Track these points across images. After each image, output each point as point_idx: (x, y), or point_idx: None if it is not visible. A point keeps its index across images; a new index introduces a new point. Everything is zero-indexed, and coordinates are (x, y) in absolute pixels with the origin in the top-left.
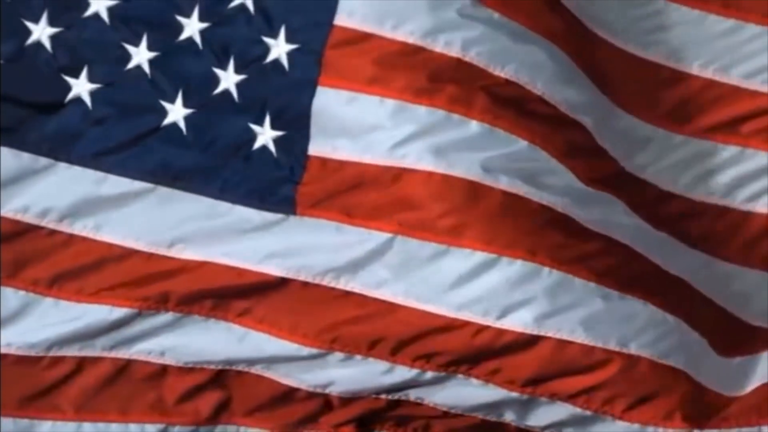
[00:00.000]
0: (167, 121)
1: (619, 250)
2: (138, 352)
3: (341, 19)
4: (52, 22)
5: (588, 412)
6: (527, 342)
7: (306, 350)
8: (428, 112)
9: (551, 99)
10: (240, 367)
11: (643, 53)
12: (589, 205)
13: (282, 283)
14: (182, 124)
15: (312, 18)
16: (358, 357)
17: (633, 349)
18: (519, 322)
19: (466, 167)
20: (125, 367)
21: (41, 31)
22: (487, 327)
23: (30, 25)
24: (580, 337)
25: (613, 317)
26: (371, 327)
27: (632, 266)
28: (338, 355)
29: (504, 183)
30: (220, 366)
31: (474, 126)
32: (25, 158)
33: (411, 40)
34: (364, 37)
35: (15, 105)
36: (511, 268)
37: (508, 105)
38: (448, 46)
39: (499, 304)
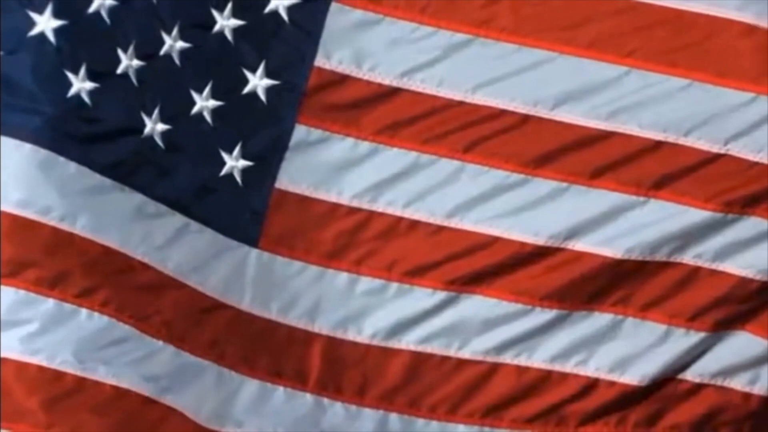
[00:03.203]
0: (146, 132)
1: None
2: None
3: (321, 61)
4: (57, 15)
5: None
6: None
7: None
8: (400, 154)
9: None
10: None
11: None
12: None
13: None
14: (159, 139)
15: (293, 57)
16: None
17: None
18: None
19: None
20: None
21: (45, 23)
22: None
23: (34, 15)
24: None
25: None
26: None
27: None
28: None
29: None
30: None
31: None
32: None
33: (386, 82)
34: (343, 79)
35: (17, 96)
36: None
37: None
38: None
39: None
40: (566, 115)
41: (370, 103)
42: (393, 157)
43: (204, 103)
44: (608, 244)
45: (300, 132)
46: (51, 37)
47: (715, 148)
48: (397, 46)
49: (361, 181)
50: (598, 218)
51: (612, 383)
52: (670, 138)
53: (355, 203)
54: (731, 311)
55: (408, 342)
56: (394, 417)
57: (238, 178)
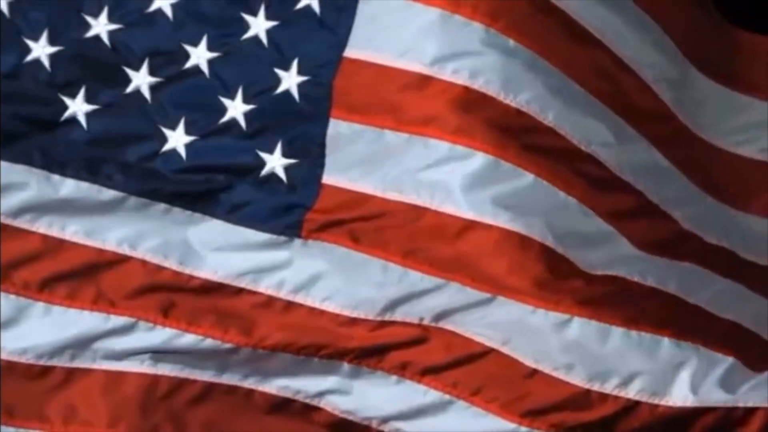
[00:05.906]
0: (167, 147)
1: (627, 285)
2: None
3: (352, 52)
4: (52, 41)
5: None
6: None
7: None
8: (435, 144)
9: (562, 130)
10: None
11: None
12: (595, 245)
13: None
14: (182, 151)
15: (323, 50)
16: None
17: None
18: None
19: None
20: (117, 378)
21: (41, 50)
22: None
23: (30, 42)
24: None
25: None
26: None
27: (641, 302)
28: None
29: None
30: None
31: (479, 158)
32: (18, 169)
33: (421, 70)
34: (373, 68)
35: (11, 119)
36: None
37: (515, 136)
38: (455, 74)
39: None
40: None
41: (404, 92)
42: (428, 147)
43: (237, 109)
44: None
45: (335, 126)
46: (46, 62)
47: None
48: (430, 34)
49: (397, 170)
50: None
51: (655, 406)
52: None
53: (390, 195)
54: None
55: (455, 326)
56: (434, 393)
57: (283, 176)
